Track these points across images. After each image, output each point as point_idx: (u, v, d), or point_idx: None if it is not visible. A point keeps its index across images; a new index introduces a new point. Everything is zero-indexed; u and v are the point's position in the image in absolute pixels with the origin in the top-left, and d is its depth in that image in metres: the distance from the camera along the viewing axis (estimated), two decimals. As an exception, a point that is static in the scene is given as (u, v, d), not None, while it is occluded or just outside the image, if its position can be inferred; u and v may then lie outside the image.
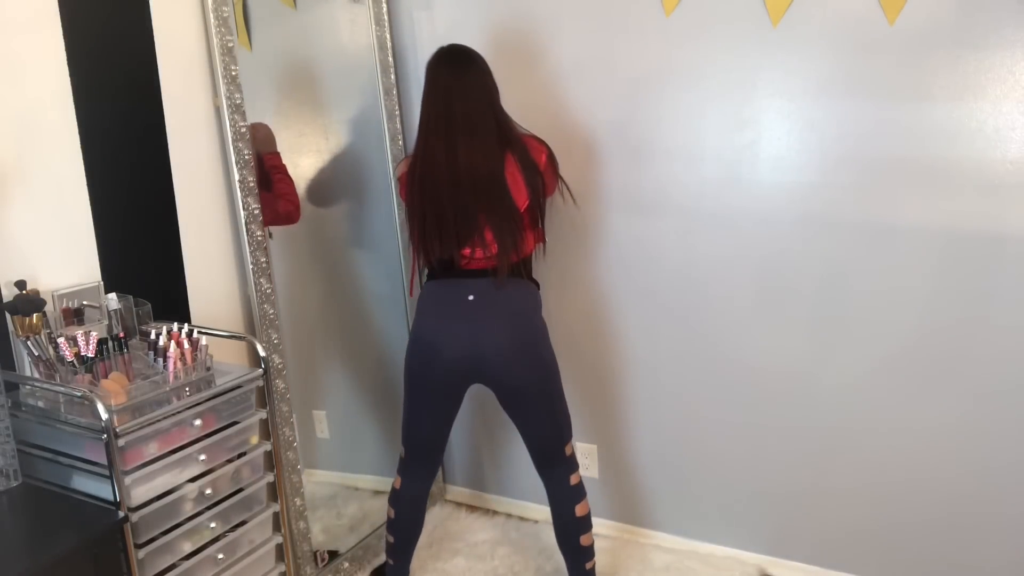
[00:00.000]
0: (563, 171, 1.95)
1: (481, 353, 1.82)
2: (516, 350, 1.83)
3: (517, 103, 2.21)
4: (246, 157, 1.87)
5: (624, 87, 2.07)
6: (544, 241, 2.01)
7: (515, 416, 1.93)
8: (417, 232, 1.84)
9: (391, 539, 2.03)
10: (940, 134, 1.76)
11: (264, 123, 2.06)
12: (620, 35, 2.04)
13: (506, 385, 1.87)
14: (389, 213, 2.40)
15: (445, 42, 1.79)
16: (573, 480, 1.95)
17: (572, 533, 1.95)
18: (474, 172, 1.75)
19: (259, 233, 1.91)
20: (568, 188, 2.03)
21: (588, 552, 1.97)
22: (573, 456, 1.97)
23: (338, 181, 2.35)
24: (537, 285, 1.95)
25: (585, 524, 1.96)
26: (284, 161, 2.06)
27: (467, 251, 1.81)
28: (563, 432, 1.94)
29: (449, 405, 1.94)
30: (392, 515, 2.01)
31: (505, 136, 1.81)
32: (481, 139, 1.76)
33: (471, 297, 1.82)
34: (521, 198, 1.79)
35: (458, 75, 1.78)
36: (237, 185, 1.86)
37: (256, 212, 1.90)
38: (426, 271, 1.94)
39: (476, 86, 1.78)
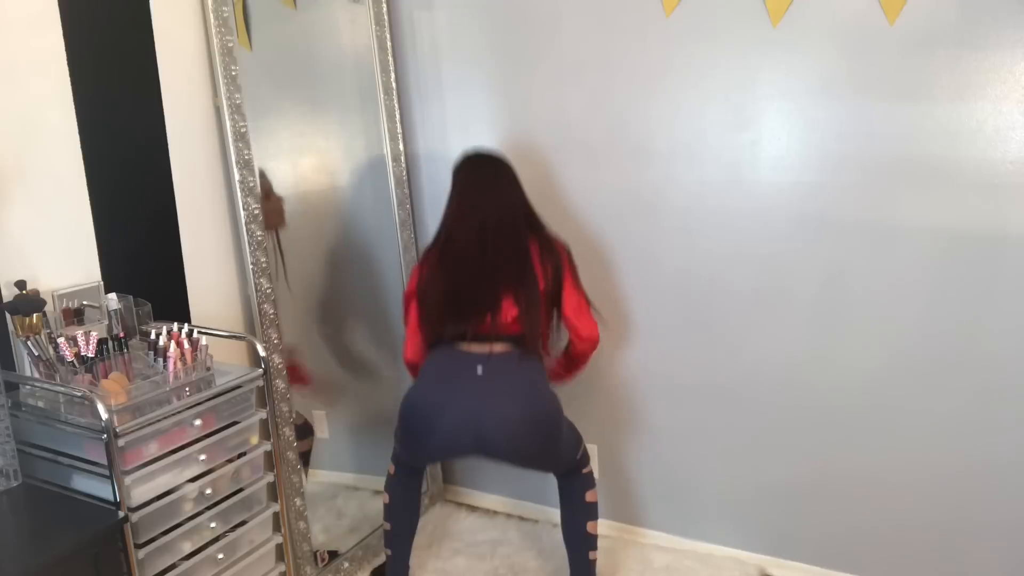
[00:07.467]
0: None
1: (484, 434, 1.78)
2: (528, 424, 1.80)
3: (517, 103, 2.22)
4: (246, 157, 1.87)
5: (624, 87, 2.07)
6: (548, 336, 1.97)
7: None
8: (427, 308, 1.87)
9: (388, 526, 2.04)
10: (940, 134, 1.76)
11: None
12: (620, 35, 2.04)
13: (514, 458, 1.87)
14: (389, 215, 2.40)
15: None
16: (587, 482, 2.00)
17: (580, 519, 1.98)
18: (501, 249, 1.82)
19: (259, 233, 1.91)
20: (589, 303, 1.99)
21: (592, 541, 1.99)
22: (590, 474, 2.01)
23: (339, 180, 2.35)
24: (542, 359, 1.93)
25: (593, 511, 1.99)
26: (284, 161, 2.06)
27: (480, 324, 1.81)
28: (573, 463, 1.97)
29: (442, 460, 1.95)
30: (388, 500, 2.03)
31: (531, 224, 1.90)
32: (509, 226, 1.85)
33: (480, 370, 1.79)
34: (541, 280, 1.85)
35: (487, 185, 1.88)
36: (237, 185, 1.86)
37: (256, 212, 1.90)
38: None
39: (506, 196, 1.88)
